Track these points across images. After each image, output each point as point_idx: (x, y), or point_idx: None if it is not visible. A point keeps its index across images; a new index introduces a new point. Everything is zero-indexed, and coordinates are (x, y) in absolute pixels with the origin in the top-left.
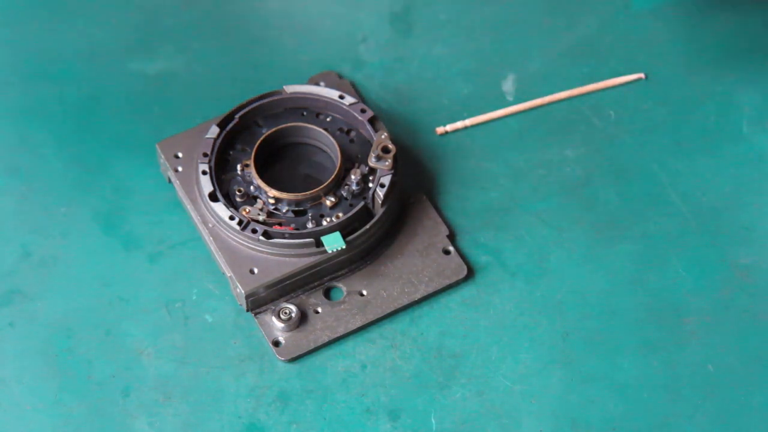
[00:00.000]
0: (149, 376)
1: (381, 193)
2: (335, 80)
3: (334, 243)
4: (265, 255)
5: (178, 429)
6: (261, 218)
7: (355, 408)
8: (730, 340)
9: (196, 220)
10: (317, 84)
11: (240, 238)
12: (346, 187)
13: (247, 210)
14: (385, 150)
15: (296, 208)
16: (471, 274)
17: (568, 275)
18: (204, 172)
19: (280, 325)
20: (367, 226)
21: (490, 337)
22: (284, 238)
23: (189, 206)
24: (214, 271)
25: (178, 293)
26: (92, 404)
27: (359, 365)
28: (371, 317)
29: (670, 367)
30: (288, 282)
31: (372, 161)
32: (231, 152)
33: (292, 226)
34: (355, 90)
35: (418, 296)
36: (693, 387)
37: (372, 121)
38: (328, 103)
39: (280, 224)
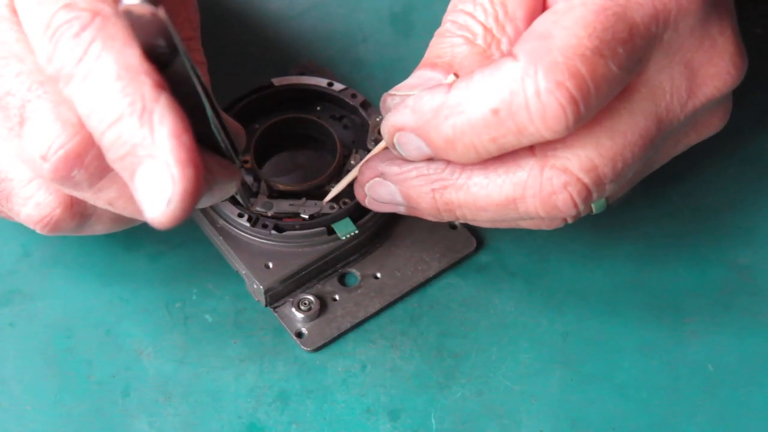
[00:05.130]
0: (149, 376)
1: None
2: (316, 67)
3: (346, 229)
4: (278, 248)
5: (178, 429)
6: (269, 213)
7: (355, 408)
8: (730, 340)
9: (200, 221)
10: (302, 74)
11: (251, 234)
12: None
13: (254, 206)
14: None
15: None
16: (480, 246)
17: (568, 275)
18: None
19: (300, 316)
20: None
21: (490, 337)
22: (296, 229)
23: None
24: (214, 271)
25: (178, 293)
26: (92, 404)
27: (359, 365)
28: (389, 298)
29: (670, 367)
30: (303, 273)
31: (371, 145)
32: None
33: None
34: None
35: (431, 273)
36: (693, 387)
37: (364, 105)
38: (318, 92)
39: (289, 216)
